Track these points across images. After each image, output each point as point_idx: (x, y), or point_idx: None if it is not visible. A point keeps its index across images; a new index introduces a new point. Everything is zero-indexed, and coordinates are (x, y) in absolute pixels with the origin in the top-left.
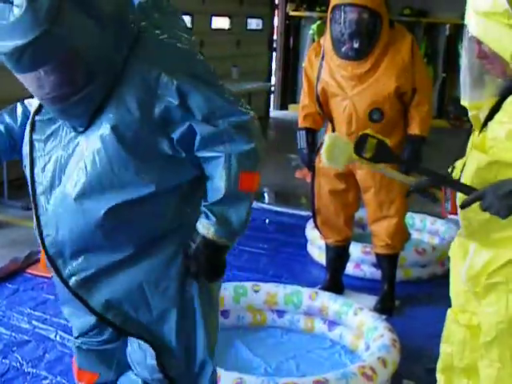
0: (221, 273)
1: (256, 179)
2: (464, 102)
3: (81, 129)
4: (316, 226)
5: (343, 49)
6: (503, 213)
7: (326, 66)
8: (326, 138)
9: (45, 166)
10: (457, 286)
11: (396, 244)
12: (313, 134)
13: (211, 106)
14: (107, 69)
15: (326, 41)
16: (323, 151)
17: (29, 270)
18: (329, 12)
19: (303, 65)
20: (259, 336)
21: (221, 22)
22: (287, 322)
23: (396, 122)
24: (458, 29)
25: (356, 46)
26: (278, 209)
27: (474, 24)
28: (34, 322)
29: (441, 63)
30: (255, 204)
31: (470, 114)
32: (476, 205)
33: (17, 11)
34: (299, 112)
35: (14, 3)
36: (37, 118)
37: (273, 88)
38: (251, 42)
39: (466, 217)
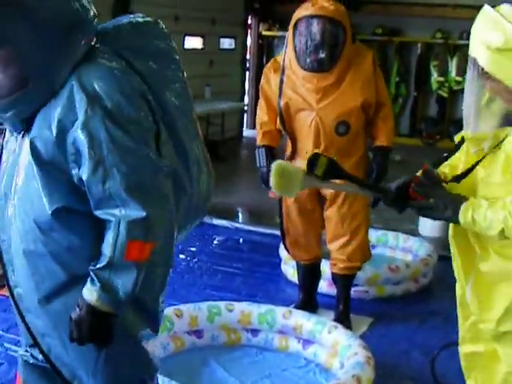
0: (106, 340)
1: (147, 248)
2: (467, 134)
3: (15, 134)
4: (285, 247)
5: (308, 60)
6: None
7: (287, 81)
8: (273, 166)
9: (3, 170)
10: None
11: (355, 265)
12: (272, 152)
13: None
14: (42, 79)
15: (288, 55)
16: (272, 183)
17: (1, 292)
18: (291, 26)
19: (260, 84)
20: (234, 355)
21: (194, 42)
22: (262, 340)
23: (359, 134)
24: (429, 48)
25: (322, 55)
26: (252, 228)
27: (485, 59)
28: (6, 345)
29: (413, 82)
30: (229, 223)
31: (472, 148)
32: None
33: None
34: (258, 129)
35: None
36: None
37: (246, 107)
38: (224, 61)
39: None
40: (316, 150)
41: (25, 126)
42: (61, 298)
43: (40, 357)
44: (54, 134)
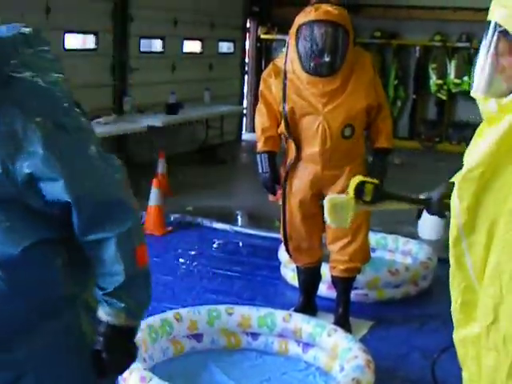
0: (135, 356)
1: (146, 249)
2: (475, 95)
3: None
4: (288, 252)
5: (312, 64)
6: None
7: (290, 86)
8: (326, 203)
9: None
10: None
11: (355, 267)
12: (274, 157)
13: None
14: None
15: (290, 60)
16: (327, 216)
17: None
18: (294, 31)
19: (260, 89)
20: (234, 359)
21: (192, 46)
22: (261, 344)
23: (360, 137)
24: (428, 50)
25: (327, 60)
26: (251, 231)
27: (505, 17)
28: None
29: (411, 85)
30: (229, 227)
31: (480, 107)
32: None
33: None
34: (258, 135)
35: None
36: None
37: (245, 111)
38: (223, 65)
39: None
40: (362, 178)
41: None
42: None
43: None
44: (0, 167)
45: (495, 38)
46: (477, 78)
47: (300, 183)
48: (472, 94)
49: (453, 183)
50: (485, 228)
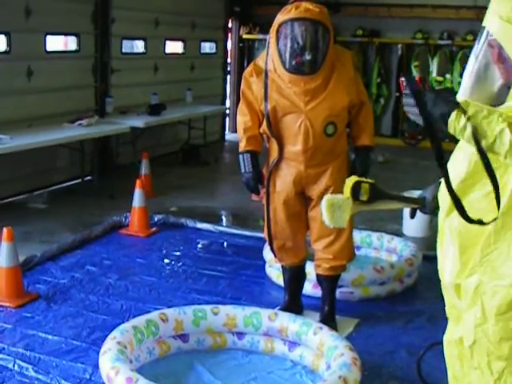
0: None
1: None
2: (461, 98)
3: None
4: (272, 251)
5: (293, 63)
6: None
7: (272, 85)
8: (324, 202)
9: None
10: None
11: (340, 265)
12: (257, 157)
13: None
14: None
15: (271, 59)
16: (325, 216)
17: None
18: (274, 30)
19: (241, 89)
20: (220, 359)
21: (174, 46)
22: (247, 343)
23: (342, 134)
24: (410, 48)
25: (308, 58)
26: (235, 231)
27: (496, 28)
28: None
29: (394, 82)
30: (213, 227)
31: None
32: None
33: None
34: (241, 135)
35: None
36: None
37: (228, 111)
38: (205, 65)
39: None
40: (356, 178)
41: None
42: None
43: None
44: None
45: (486, 45)
46: (464, 81)
47: (283, 182)
48: (458, 97)
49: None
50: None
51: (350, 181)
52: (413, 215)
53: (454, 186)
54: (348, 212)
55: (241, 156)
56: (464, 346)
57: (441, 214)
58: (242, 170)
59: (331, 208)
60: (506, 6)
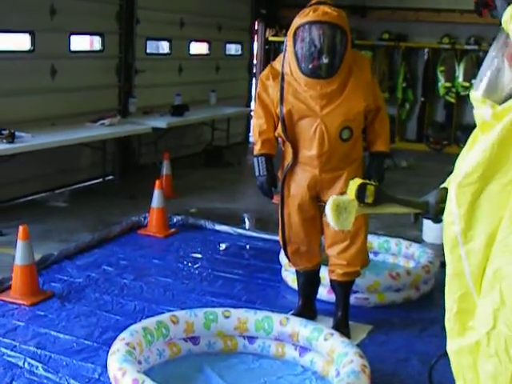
0: None
1: None
2: (475, 94)
3: None
4: (286, 255)
5: (310, 66)
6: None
7: (288, 88)
8: (329, 203)
9: None
10: None
11: (354, 271)
12: (271, 160)
13: None
14: None
15: (288, 62)
16: (330, 217)
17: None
18: (291, 33)
19: (257, 92)
20: (230, 363)
21: (199, 48)
22: (258, 348)
23: (358, 139)
24: (436, 53)
25: (326, 61)
26: (254, 234)
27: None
28: (2, 349)
29: (420, 87)
30: (231, 229)
31: (475, 110)
32: None
33: None
34: (256, 137)
35: None
36: None
37: (252, 113)
38: (230, 67)
39: None
40: (361, 180)
41: None
42: None
43: None
44: None
45: (504, 45)
46: (479, 78)
47: (298, 187)
48: (472, 93)
49: (445, 188)
50: (484, 234)
51: (355, 183)
52: (416, 220)
53: (472, 178)
54: (353, 214)
55: (255, 159)
56: (480, 349)
57: None
58: (256, 174)
59: (337, 209)
60: None
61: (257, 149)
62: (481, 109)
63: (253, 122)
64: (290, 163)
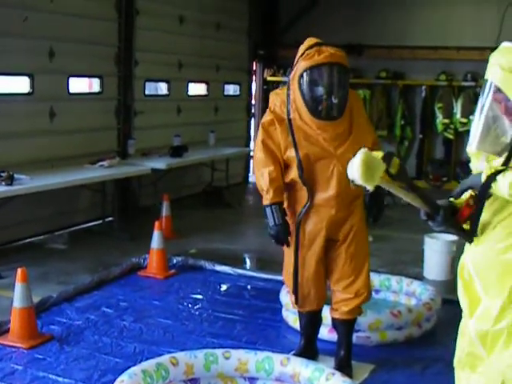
0: None
1: None
2: (469, 149)
3: None
4: (296, 299)
5: (320, 108)
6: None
7: (298, 133)
8: (360, 155)
9: None
10: None
11: (357, 309)
12: (283, 208)
13: None
14: None
15: (296, 106)
16: (358, 170)
17: None
18: (296, 76)
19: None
20: None
21: (198, 88)
22: None
23: None
24: (434, 90)
25: (335, 101)
26: (254, 274)
27: (499, 78)
28: None
29: (418, 124)
30: (231, 270)
31: (471, 164)
32: None
33: None
34: (266, 186)
35: None
36: None
37: (251, 153)
38: (229, 107)
39: None
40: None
41: None
42: None
43: None
44: None
45: (490, 97)
46: (472, 134)
47: (315, 229)
48: (467, 149)
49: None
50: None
51: (378, 153)
52: (427, 218)
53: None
54: (379, 174)
55: (268, 208)
56: None
57: None
58: (271, 223)
59: (367, 160)
60: (507, 57)
61: (269, 198)
62: (476, 163)
63: (257, 170)
64: (306, 207)
